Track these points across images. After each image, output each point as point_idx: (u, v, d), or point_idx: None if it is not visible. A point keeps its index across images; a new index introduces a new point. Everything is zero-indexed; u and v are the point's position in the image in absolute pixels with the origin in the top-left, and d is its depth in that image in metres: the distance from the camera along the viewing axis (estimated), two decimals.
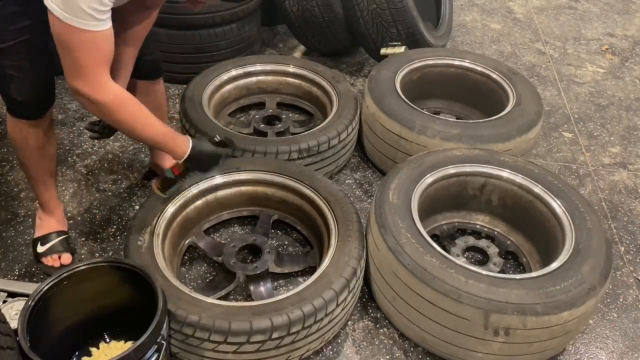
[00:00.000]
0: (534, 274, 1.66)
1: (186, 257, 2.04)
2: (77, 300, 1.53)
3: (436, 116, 2.32)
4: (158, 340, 1.40)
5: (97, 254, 2.03)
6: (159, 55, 2.03)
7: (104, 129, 1.85)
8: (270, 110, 2.64)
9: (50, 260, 1.94)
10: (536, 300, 1.55)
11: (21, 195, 2.25)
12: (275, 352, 1.58)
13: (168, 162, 2.29)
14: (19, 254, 2.02)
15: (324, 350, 1.78)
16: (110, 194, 2.29)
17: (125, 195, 2.29)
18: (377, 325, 1.87)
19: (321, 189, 1.98)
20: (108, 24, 1.40)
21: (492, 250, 2.04)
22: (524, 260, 2.05)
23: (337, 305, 1.64)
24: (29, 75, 1.63)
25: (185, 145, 1.68)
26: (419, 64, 2.63)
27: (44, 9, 1.54)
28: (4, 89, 1.65)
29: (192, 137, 1.73)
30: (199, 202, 2.02)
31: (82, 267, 1.51)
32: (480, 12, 4.02)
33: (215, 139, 1.77)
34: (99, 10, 1.35)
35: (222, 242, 2.05)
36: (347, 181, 2.45)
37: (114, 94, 1.49)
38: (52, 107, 1.76)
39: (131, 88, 2.04)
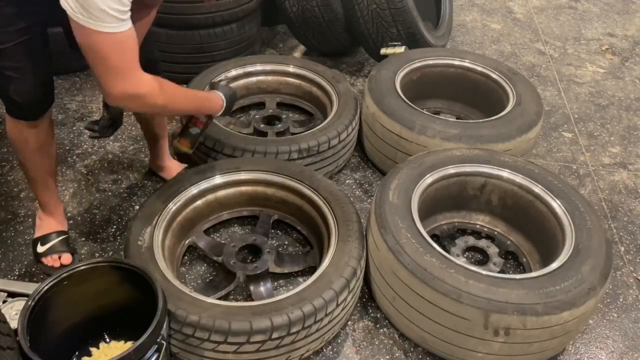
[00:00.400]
0: (534, 274, 1.66)
1: (186, 257, 2.04)
2: (77, 300, 1.53)
3: (436, 116, 2.31)
4: (158, 340, 1.40)
5: (97, 254, 2.03)
6: (157, 54, 2.03)
7: (104, 128, 1.85)
8: (270, 110, 2.64)
9: (50, 260, 1.94)
10: (536, 300, 1.55)
11: (21, 195, 2.25)
12: (275, 352, 1.58)
13: (168, 162, 2.30)
14: (19, 254, 2.02)
15: (324, 350, 1.78)
16: (110, 194, 2.29)
17: (125, 195, 2.29)
18: (377, 325, 1.87)
19: (321, 189, 1.98)
20: (130, 23, 1.42)
21: (492, 250, 2.04)
22: (524, 260, 2.05)
23: (337, 305, 1.64)
24: (29, 76, 1.63)
25: (219, 99, 1.89)
26: (419, 64, 2.63)
27: (44, 10, 1.54)
28: (3, 90, 1.65)
29: (213, 89, 1.94)
30: (199, 202, 2.02)
31: (82, 267, 1.51)
32: (480, 12, 4.02)
33: (222, 82, 1.99)
34: (121, 11, 1.36)
35: (222, 242, 2.05)
36: (347, 181, 2.45)
37: (150, 81, 1.52)
38: (51, 108, 1.76)
39: None
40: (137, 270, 1.51)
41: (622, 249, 2.23)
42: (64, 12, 1.35)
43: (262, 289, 1.86)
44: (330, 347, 1.79)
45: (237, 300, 1.90)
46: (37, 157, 1.82)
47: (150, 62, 1.98)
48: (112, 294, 1.58)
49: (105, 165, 2.43)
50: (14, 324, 1.37)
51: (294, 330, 1.55)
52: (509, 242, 2.10)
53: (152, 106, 1.58)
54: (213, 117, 1.95)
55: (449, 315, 1.60)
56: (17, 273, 1.95)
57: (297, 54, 3.32)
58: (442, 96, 2.76)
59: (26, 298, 1.44)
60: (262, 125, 2.52)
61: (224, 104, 1.89)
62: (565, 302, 1.56)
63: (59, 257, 1.95)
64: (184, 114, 1.87)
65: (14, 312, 1.50)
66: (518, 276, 1.64)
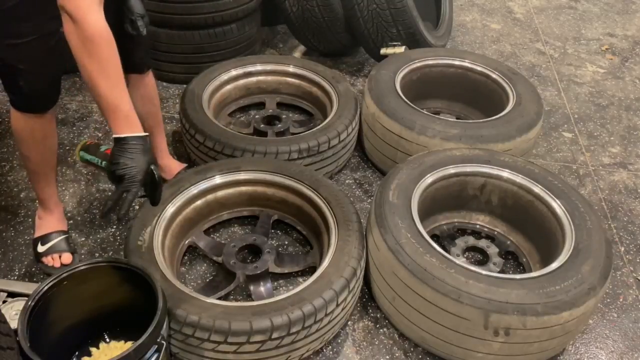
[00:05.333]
0: (534, 274, 1.66)
1: (186, 257, 2.04)
2: (77, 300, 1.53)
3: (436, 116, 2.32)
4: (158, 340, 1.39)
5: (97, 254, 2.03)
6: (147, 49, 2.03)
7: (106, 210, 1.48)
8: (270, 110, 2.64)
9: (51, 260, 1.94)
10: (536, 300, 1.55)
11: (21, 195, 2.25)
12: (275, 352, 1.58)
13: (167, 161, 2.30)
14: (19, 254, 2.02)
15: (324, 350, 1.78)
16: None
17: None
18: (377, 325, 1.87)
19: (321, 189, 1.98)
20: None
21: (492, 250, 2.04)
22: (524, 260, 2.05)
23: (337, 305, 1.64)
24: (41, 70, 1.65)
25: (122, 130, 1.44)
26: (419, 64, 2.62)
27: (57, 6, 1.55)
28: (14, 83, 1.67)
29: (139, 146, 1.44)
30: (199, 202, 2.02)
31: (82, 267, 1.51)
32: (480, 12, 4.02)
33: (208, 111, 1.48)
34: None
35: (222, 242, 2.05)
36: (347, 181, 2.45)
37: (97, 25, 1.36)
38: (57, 101, 1.78)
39: None
40: (137, 270, 1.51)
41: (622, 249, 2.23)
42: None
43: (262, 289, 1.86)
44: (330, 347, 1.79)
45: (237, 300, 1.90)
46: (42, 149, 1.83)
47: (139, 56, 1.98)
48: (112, 294, 1.57)
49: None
50: (14, 324, 1.37)
51: (294, 330, 1.55)
52: (509, 242, 2.10)
53: (76, 45, 1.38)
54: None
55: (449, 315, 1.60)
56: (17, 273, 1.95)
57: (297, 54, 3.32)
58: (442, 96, 2.76)
59: (26, 298, 1.44)
60: (262, 125, 2.52)
61: (116, 136, 1.44)
62: (565, 302, 1.56)
63: (59, 257, 1.95)
64: (94, 95, 1.47)
65: (14, 312, 1.50)
66: (518, 276, 1.64)
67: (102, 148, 1.59)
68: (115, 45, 1.42)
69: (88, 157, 1.60)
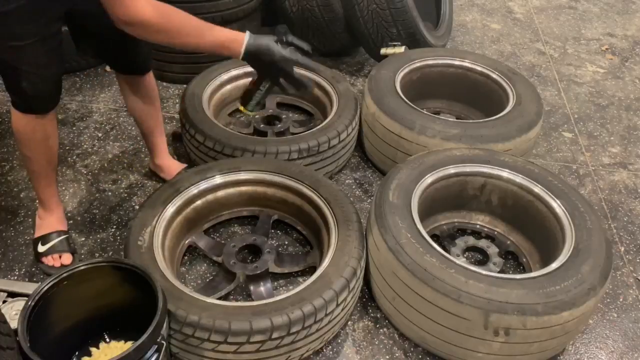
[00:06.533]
0: (534, 274, 1.66)
1: (186, 257, 2.04)
2: (77, 300, 1.53)
3: (436, 116, 2.32)
4: (158, 340, 1.40)
5: (97, 254, 2.03)
6: (147, 50, 2.04)
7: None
8: (270, 110, 2.64)
9: (51, 260, 1.94)
10: (536, 300, 1.55)
11: (21, 195, 2.25)
12: (275, 352, 1.58)
13: (167, 161, 2.30)
14: (19, 254, 2.02)
15: (324, 350, 1.78)
16: (110, 194, 2.29)
17: (125, 195, 2.29)
18: (377, 325, 1.87)
19: (321, 189, 1.98)
20: None
21: (492, 250, 2.04)
22: (524, 260, 2.05)
23: (337, 305, 1.64)
24: (43, 72, 1.65)
25: (237, 48, 1.56)
26: (419, 64, 2.63)
27: (61, 8, 1.57)
28: (16, 84, 1.67)
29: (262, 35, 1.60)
30: (199, 202, 2.02)
31: (82, 267, 1.51)
32: (480, 12, 4.02)
33: (283, 38, 1.62)
34: None
35: (222, 242, 2.05)
36: (347, 181, 2.45)
37: (151, 8, 1.43)
38: (59, 102, 1.79)
39: (121, 83, 2.06)
40: (137, 270, 1.51)
41: (622, 249, 2.23)
42: (71, 11, 1.36)
43: (262, 289, 1.86)
44: (330, 347, 1.79)
45: (237, 300, 1.90)
46: (42, 148, 1.84)
47: (139, 57, 1.99)
48: (112, 294, 1.57)
49: (105, 165, 2.43)
50: (14, 324, 1.37)
51: (294, 330, 1.55)
52: (509, 242, 2.10)
53: (152, 36, 1.49)
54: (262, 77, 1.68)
55: (449, 315, 1.60)
56: (17, 273, 1.95)
57: None
58: (442, 96, 2.76)
59: (26, 298, 1.44)
60: (262, 125, 2.52)
61: (244, 48, 1.55)
62: (565, 302, 1.56)
63: (60, 257, 1.95)
64: (198, 50, 1.60)
65: (14, 312, 1.50)
66: (518, 276, 1.64)
67: (249, 87, 1.71)
68: (173, 9, 1.49)
69: (253, 102, 1.73)
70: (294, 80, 1.63)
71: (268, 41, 1.57)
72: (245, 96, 1.73)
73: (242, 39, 1.55)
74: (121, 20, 1.44)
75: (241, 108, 1.75)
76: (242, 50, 1.55)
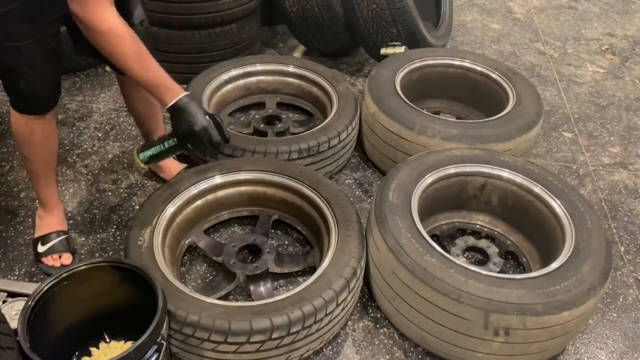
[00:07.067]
0: (534, 274, 1.66)
1: (186, 257, 2.04)
2: (77, 300, 1.53)
3: (436, 116, 2.32)
4: (158, 340, 1.40)
5: (97, 254, 2.03)
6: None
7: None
8: (270, 110, 2.64)
9: (51, 260, 1.94)
10: (536, 300, 1.55)
11: (21, 195, 2.25)
12: (275, 352, 1.58)
13: (167, 162, 2.30)
14: (19, 254, 2.02)
15: (324, 350, 1.78)
16: (110, 194, 2.29)
17: (125, 195, 2.29)
18: (377, 325, 1.87)
19: (321, 189, 1.98)
20: None
21: (492, 250, 2.04)
22: (524, 260, 2.05)
23: (337, 305, 1.64)
24: (41, 73, 1.66)
25: (170, 97, 1.67)
26: (419, 64, 2.62)
27: (59, 9, 1.57)
28: (14, 85, 1.67)
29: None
30: (199, 202, 2.02)
31: (82, 267, 1.51)
32: (480, 12, 4.02)
33: (213, 114, 1.74)
34: None
35: (222, 242, 2.05)
36: (347, 181, 2.45)
37: (111, 25, 1.51)
38: (58, 102, 1.79)
39: (121, 83, 2.06)
40: (137, 270, 1.51)
41: (622, 249, 2.23)
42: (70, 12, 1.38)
43: (262, 289, 1.86)
44: (330, 347, 1.79)
45: (237, 300, 1.90)
46: (41, 149, 1.83)
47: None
48: (112, 294, 1.57)
49: (105, 165, 2.43)
50: (14, 324, 1.37)
51: (294, 330, 1.55)
52: (509, 242, 2.10)
53: (99, 46, 1.56)
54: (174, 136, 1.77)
55: (449, 315, 1.60)
56: (17, 273, 1.95)
57: (297, 54, 3.31)
58: (442, 96, 2.76)
59: (26, 298, 1.44)
60: (262, 125, 2.52)
61: (172, 102, 1.66)
62: (565, 302, 1.56)
63: (59, 257, 1.95)
64: (134, 78, 1.66)
65: (14, 312, 1.50)
66: (518, 276, 1.64)
67: (154, 138, 1.77)
68: (132, 34, 1.56)
69: (149, 153, 1.79)
70: (202, 151, 1.77)
71: (197, 110, 1.70)
72: (146, 145, 1.81)
73: (178, 93, 1.68)
74: (79, 18, 1.47)
75: (134, 154, 1.81)
76: (173, 102, 1.67)
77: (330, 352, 1.78)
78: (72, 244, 2.02)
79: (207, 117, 1.71)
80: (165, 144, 1.79)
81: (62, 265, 1.93)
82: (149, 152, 1.81)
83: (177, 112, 1.69)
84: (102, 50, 1.57)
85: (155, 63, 1.64)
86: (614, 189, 2.52)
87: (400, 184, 1.91)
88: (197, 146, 1.74)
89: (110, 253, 2.04)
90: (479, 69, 2.62)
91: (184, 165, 2.32)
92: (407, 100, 2.35)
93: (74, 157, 2.45)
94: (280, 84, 2.72)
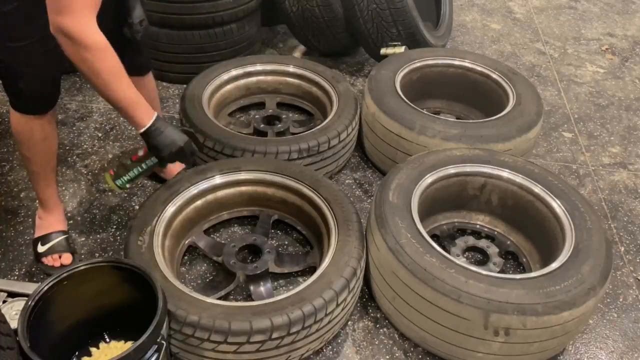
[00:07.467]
0: (534, 274, 1.66)
1: (186, 257, 2.04)
2: (77, 300, 1.53)
3: (436, 116, 2.31)
4: (158, 340, 1.39)
5: (97, 254, 2.03)
6: (147, 51, 2.04)
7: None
8: (270, 110, 2.64)
9: (51, 260, 1.94)
10: (536, 300, 1.55)
11: (21, 195, 2.25)
12: (275, 352, 1.58)
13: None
14: (19, 254, 2.02)
15: (324, 350, 1.78)
16: (110, 194, 2.29)
17: (125, 195, 2.29)
18: (377, 325, 1.87)
19: (321, 189, 1.98)
20: None
21: (492, 250, 2.04)
22: (524, 260, 2.05)
23: (337, 305, 1.64)
24: (41, 73, 1.66)
25: (147, 117, 1.63)
26: (419, 64, 2.63)
27: None
28: (13, 85, 1.67)
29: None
30: (199, 202, 2.02)
31: (82, 267, 1.51)
32: (480, 12, 4.02)
33: (185, 127, 1.73)
34: None
35: (222, 242, 2.05)
36: (347, 181, 2.45)
37: (96, 39, 1.45)
38: (57, 102, 1.79)
39: None
40: (137, 270, 1.51)
41: (622, 249, 2.23)
42: None
43: (262, 289, 1.86)
44: (330, 347, 1.79)
45: (237, 300, 1.90)
46: (41, 149, 1.84)
47: (140, 58, 1.99)
48: (112, 294, 1.57)
49: (106, 165, 2.42)
50: (14, 324, 1.37)
51: (294, 330, 1.55)
52: (509, 242, 2.10)
53: (80, 61, 1.48)
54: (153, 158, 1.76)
55: (449, 315, 1.60)
56: (17, 273, 1.95)
57: (297, 54, 3.31)
58: (442, 96, 2.76)
59: (26, 298, 1.44)
60: (262, 125, 2.52)
61: (147, 126, 1.63)
62: (565, 302, 1.56)
63: (59, 257, 1.95)
64: (106, 99, 1.59)
65: (14, 312, 1.50)
66: (518, 276, 1.64)
67: (127, 162, 1.74)
68: (113, 51, 1.51)
69: (126, 177, 1.76)
70: (187, 162, 1.80)
71: (173, 127, 1.70)
72: (120, 170, 1.75)
73: (153, 113, 1.64)
74: (57, 28, 1.42)
75: (109, 181, 1.76)
76: (151, 121, 1.63)
77: (330, 352, 1.78)
78: (72, 244, 2.02)
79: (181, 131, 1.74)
80: (143, 165, 1.76)
81: (62, 265, 1.93)
82: (126, 177, 1.76)
83: (156, 132, 1.65)
84: (81, 64, 1.49)
85: (131, 87, 1.59)
86: (614, 189, 2.52)
87: (400, 184, 1.91)
88: (182, 160, 1.77)
89: (110, 253, 2.04)
90: (479, 69, 2.62)
91: (184, 165, 2.32)
92: (407, 100, 2.35)
93: (74, 157, 2.45)
94: (280, 84, 2.72)
